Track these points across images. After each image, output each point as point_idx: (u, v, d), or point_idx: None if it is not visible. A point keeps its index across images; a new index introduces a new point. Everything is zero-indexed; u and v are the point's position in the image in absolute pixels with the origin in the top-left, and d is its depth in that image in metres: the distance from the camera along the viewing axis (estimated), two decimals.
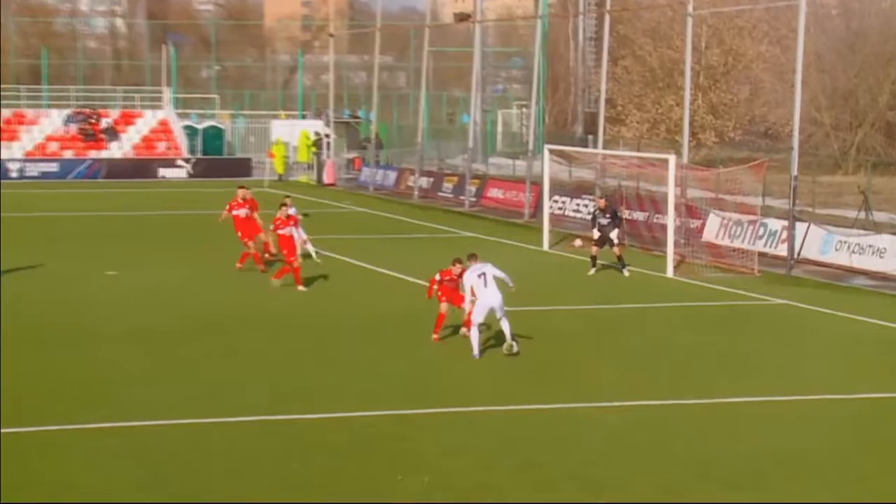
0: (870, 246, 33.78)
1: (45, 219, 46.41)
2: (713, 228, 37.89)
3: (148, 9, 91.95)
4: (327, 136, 66.39)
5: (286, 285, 29.68)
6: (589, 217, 36.51)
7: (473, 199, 51.59)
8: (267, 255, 32.77)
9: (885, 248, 33.33)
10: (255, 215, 32.79)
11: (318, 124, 69.64)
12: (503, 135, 78.32)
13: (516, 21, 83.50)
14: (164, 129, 69.07)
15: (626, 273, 32.95)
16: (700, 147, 63.83)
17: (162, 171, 65.28)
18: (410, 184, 56.67)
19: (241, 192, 33.50)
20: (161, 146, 67.80)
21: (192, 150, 67.65)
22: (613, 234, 33.05)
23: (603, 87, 47.15)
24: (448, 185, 54.66)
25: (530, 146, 51.32)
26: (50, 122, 68.08)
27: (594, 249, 33.33)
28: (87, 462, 16.09)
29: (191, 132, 68.69)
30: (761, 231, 36.57)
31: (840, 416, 19.15)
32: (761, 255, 34.99)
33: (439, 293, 23.72)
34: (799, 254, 35.07)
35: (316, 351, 23.24)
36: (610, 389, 20.35)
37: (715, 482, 15.69)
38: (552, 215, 40.05)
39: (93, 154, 66.05)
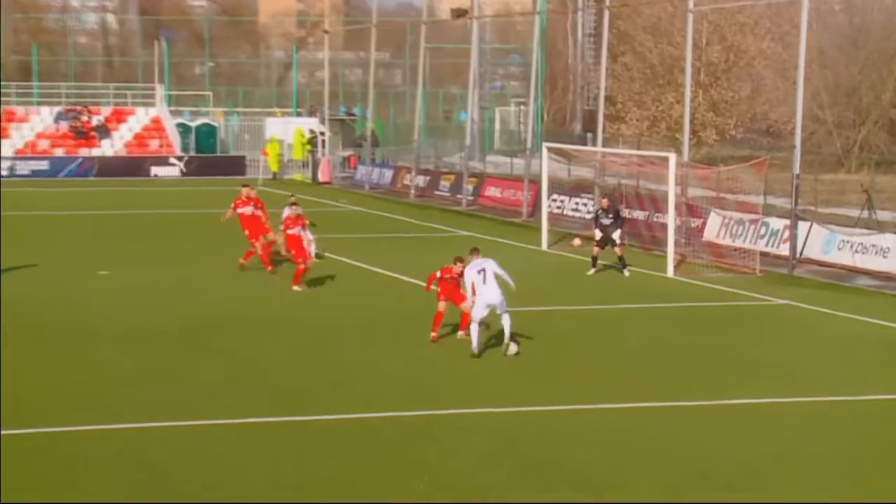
0: (873, 245, 33.68)
1: (37, 218, 46.27)
2: (714, 228, 37.83)
3: (140, 4, 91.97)
4: (322, 133, 66.44)
5: (286, 285, 29.76)
6: (589, 216, 36.32)
7: (471, 197, 51.49)
8: (282, 252, 32.55)
9: (888, 248, 33.21)
10: (261, 213, 32.73)
11: (313, 122, 69.73)
12: (501, 133, 78.49)
13: (514, 17, 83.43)
14: (156, 126, 69.01)
15: (626, 273, 32.87)
16: (701, 145, 63.88)
17: (154, 170, 65.15)
18: (407, 182, 56.60)
19: (245, 189, 33.66)
20: (153, 144, 67.77)
21: (185, 148, 67.61)
22: (616, 235, 33.01)
23: (602, 84, 46.97)
24: (445, 184, 54.61)
25: (528, 144, 51.31)
26: (40, 120, 68.11)
27: (596, 250, 33.25)
28: (84, 464, 16.19)
29: (184, 130, 68.66)
30: (763, 230, 36.53)
31: (842, 418, 19.12)
32: (763, 254, 34.95)
33: (438, 290, 23.58)
34: (801, 253, 35.00)
35: (313, 352, 23.27)
36: (609, 391, 20.43)
37: (715, 483, 15.76)
38: (551, 214, 40.01)
39: (84, 152, 65.92)
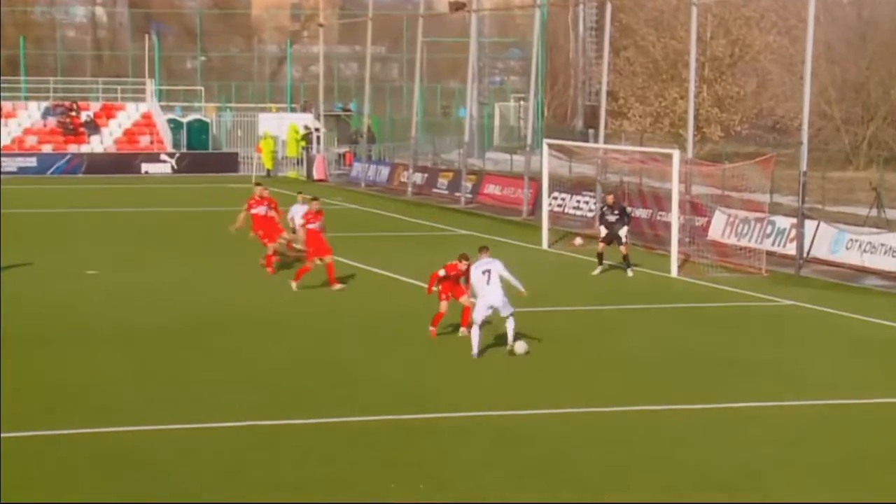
0: (882, 245, 33.67)
1: (25, 216, 46.04)
2: (719, 226, 37.75)
3: None
4: (317, 129, 66.57)
5: (285, 285, 29.73)
6: (591, 215, 35.95)
7: (469, 195, 51.50)
8: (291, 253, 32.51)
9: None
10: (275, 214, 32.35)
11: (308, 118, 69.83)
12: (500, 129, 78.96)
13: (514, 10, 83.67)
14: (146, 122, 68.80)
15: (629, 273, 32.74)
16: (705, 141, 64.04)
17: (145, 167, 65.00)
18: (404, 179, 56.63)
19: (258, 189, 33.23)
20: (144, 140, 67.52)
21: (176, 145, 67.46)
22: (622, 232, 32.88)
23: (604, 79, 46.95)
24: (443, 181, 54.59)
25: (529, 140, 51.22)
26: (28, 115, 67.97)
27: (601, 247, 33.14)
28: (83, 465, 16.36)
29: (175, 126, 68.50)
30: (769, 229, 36.46)
31: (846, 422, 19.11)
32: (769, 254, 34.91)
33: (439, 289, 23.58)
34: (808, 253, 34.99)
35: (312, 352, 23.35)
36: (610, 392, 20.56)
37: (715, 485, 15.90)
38: (551, 213, 39.93)
39: (73, 148, 65.74)
